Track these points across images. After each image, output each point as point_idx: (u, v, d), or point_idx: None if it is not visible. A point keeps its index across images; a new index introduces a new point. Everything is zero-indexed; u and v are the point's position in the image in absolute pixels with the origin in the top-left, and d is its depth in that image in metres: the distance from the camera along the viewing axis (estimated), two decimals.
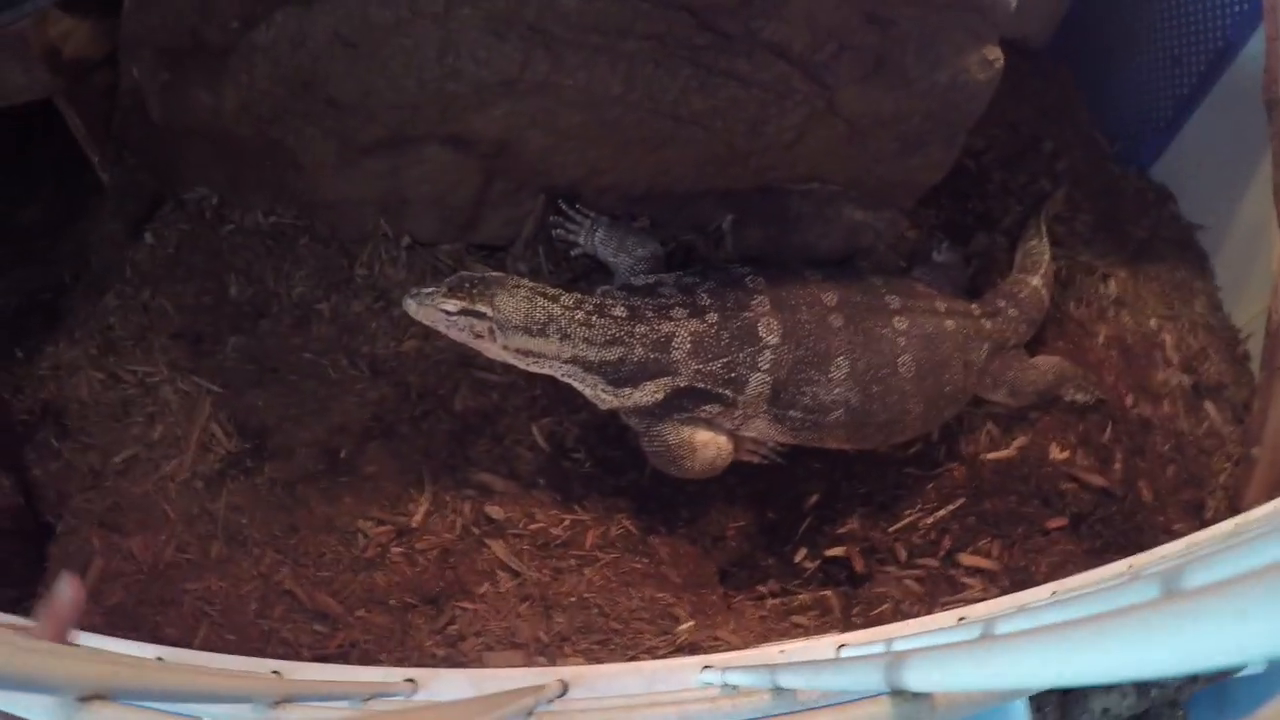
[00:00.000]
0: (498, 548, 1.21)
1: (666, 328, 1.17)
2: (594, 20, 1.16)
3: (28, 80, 1.56)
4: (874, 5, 1.23)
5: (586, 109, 1.18)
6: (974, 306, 1.37)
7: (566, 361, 1.18)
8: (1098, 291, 1.59)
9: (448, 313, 1.13)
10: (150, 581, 1.24)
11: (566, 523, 1.22)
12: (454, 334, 1.17)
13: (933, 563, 1.34)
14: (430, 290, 1.14)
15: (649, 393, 1.18)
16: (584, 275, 1.34)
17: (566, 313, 1.16)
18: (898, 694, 0.43)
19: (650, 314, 1.18)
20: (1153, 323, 1.57)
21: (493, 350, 1.19)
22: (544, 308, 1.15)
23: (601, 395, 1.20)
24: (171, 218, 1.45)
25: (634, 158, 1.25)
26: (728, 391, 1.18)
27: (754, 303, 1.20)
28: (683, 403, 1.19)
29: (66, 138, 1.65)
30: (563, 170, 1.26)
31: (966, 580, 1.32)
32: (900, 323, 1.25)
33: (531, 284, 1.18)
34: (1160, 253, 1.67)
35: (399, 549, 1.23)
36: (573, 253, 1.34)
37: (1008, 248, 1.59)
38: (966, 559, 1.34)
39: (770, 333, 1.18)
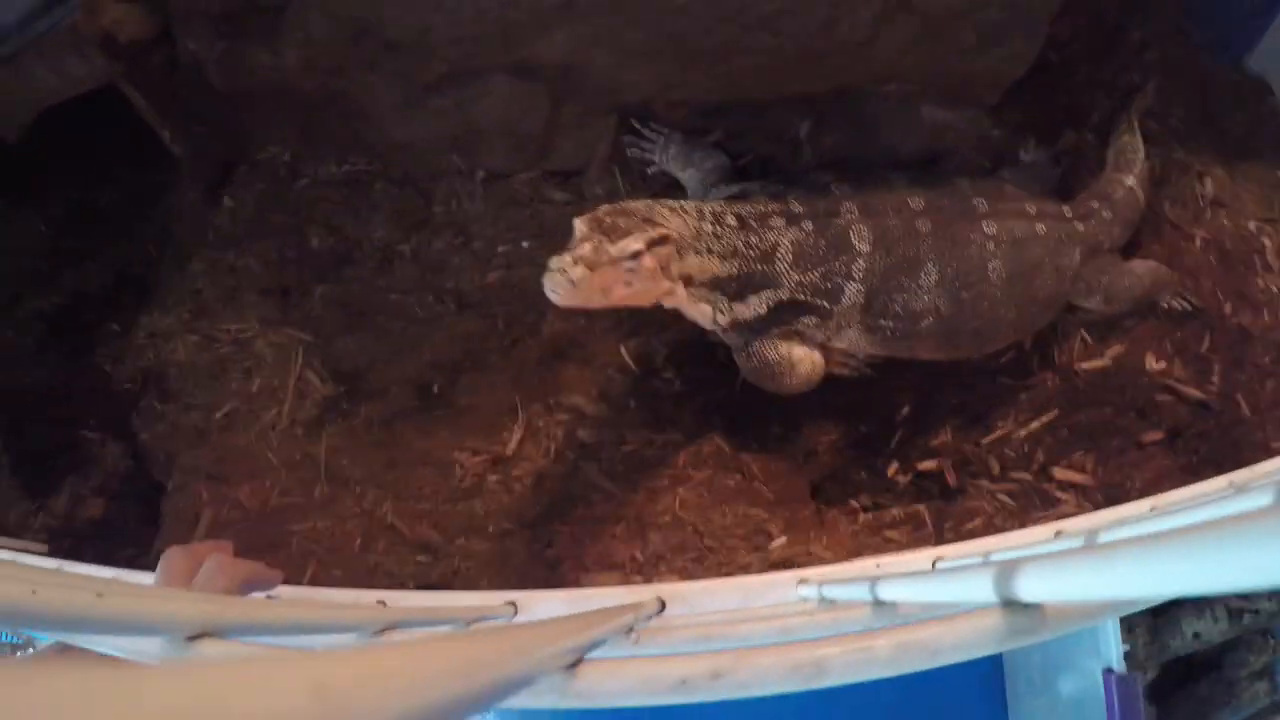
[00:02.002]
0: (591, 470, 1.24)
1: (771, 237, 1.12)
2: None
3: (88, 70, 1.62)
4: None
5: (649, 23, 1.15)
6: (1065, 209, 1.30)
7: (704, 282, 1.09)
8: (1194, 191, 1.50)
9: (634, 254, 0.96)
10: (258, 527, 1.31)
11: (658, 442, 1.24)
12: (623, 287, 0.99)
13: (1026, 476, 1.32)
14: (580, 253, 0.94)
15: (753, 307, 1.14)
16: (663, 193, 1.32)
17: (704, 224, 1.07)
18: (1009, 604, 0.41)
19: (754, 223, 1.12)
20: (1252, 225, 1.46)
21: (657, 290, 1.03)
22: (694, 223, 1.06)
23: (719, 315, 1.13)
24: (247, 179, 1.49)
25: (703, 70, 1.21)
26: (824, 302, 1.16)
27: (843, 209, 1.16)
28: (783, 316, 1.15)
29: (134, 118, 1.71)
30: (632, 88, 1.23)
31: (1060, 495, 1.29)
32: (989, 227, 1.20)
33: (660, 200, 1.07)
34: (1259, 150, 1.56)
35: (495, 477, 1.26)
36: (649, 170, 1.32)
37: (1098, 145, 1.51)
38: (1060, 473, 1.31)
39: (861, 240, 1.15)
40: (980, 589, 0.40)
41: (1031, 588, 0.37)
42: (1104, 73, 1.64)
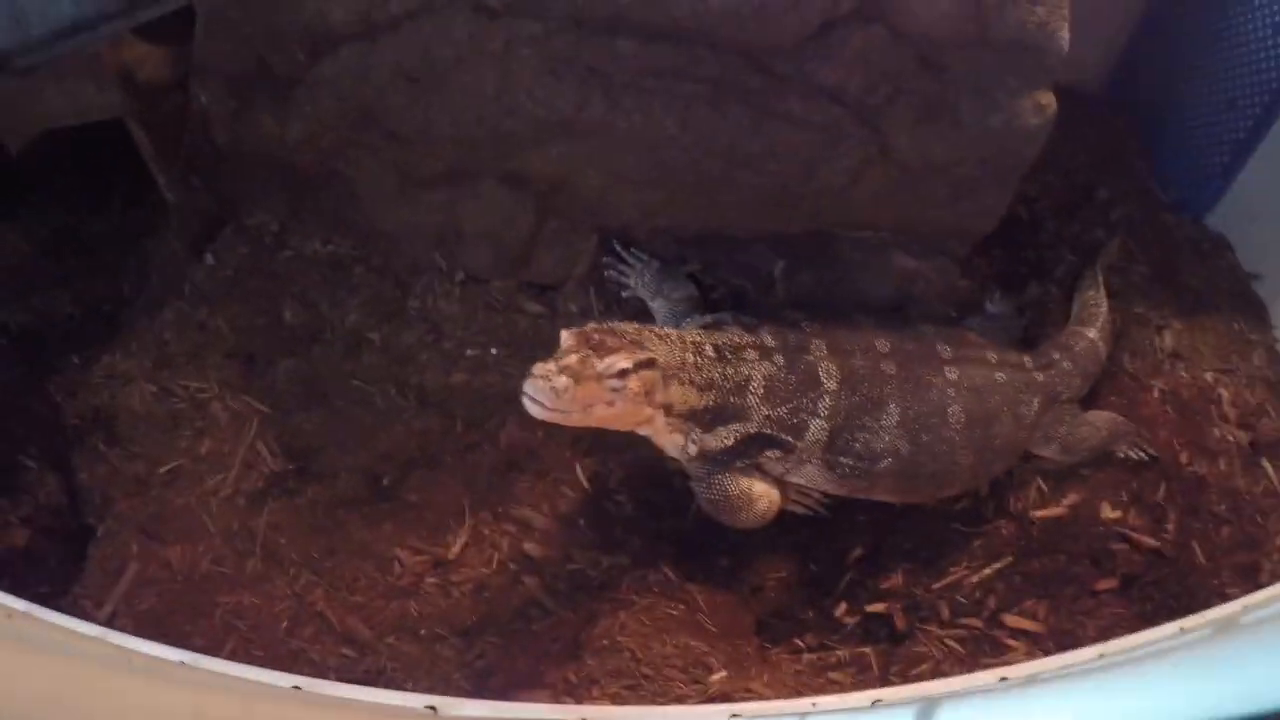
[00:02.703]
0: (533, 585, 1.20)
1: (745, 370, 1.13)
2: (650, 63, 1.18)
3: (102, 100, 1.64)
4: (927, 49, 1.23)
5: (641, 150, 1.19)
6: (1026, 359, 1.34)
7: (682, 412, 1.07)
8: (1153, 344, 1.55)
9: (621, 372, 0.95)
10: (184, 591, 1.26)
11: (604, 564, 1.21)
12: (604, 407, 0.96)
13: (976, 623, 1.30)
14: (566, 363, 0.92)
15: (721, 439, 1.13)
16: (634, 317, 1.33)
17: (688, 354, 1.07)
18: None
19: (730, 355, 1.13)
20: (1209, 376, 1.51)
21: (637, 415, 1.02)
22: (679, 352, 1.05)
23: (690, 445, 1.12)
24: (232, 240, 1.50)
25: (687, 200, 1.25)
26: (789, 437, 1.16)
27: (812, 345, 1.18)
28: (748, 449, 1.16)
29: (135, 157, 1.73)
30: (617, 211, 1.27)
31: (1010, 642, 1.28)
32: (951, 372, 1.22)
33: (648, 326, 1.07)
34: (1217, 303, 1.62)
35: (434, 579, 1.23)
36: (624, 294, 1.34)
37: (1062, 298, 1.56)
38: (1011, 620, 1.30)
39: (829, 377, 1.17)
40: None
41: None
42: (1071, 229, 1.72)
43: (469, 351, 1.33)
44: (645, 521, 1.25)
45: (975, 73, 1.23)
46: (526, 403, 0.94)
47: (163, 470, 1.38)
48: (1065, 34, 1.20)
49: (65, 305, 1.84)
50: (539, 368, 0.94)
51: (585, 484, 1.26)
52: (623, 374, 0.96)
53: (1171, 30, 1.88)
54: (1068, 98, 1.29)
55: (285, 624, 1.22)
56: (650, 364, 1.01)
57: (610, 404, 0.98)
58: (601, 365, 0.95)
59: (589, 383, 0.94)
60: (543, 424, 1.30)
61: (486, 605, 1.20)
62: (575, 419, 0.98)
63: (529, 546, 1.21)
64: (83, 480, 1.42)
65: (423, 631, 1.20)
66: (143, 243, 1.73)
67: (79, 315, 1.81)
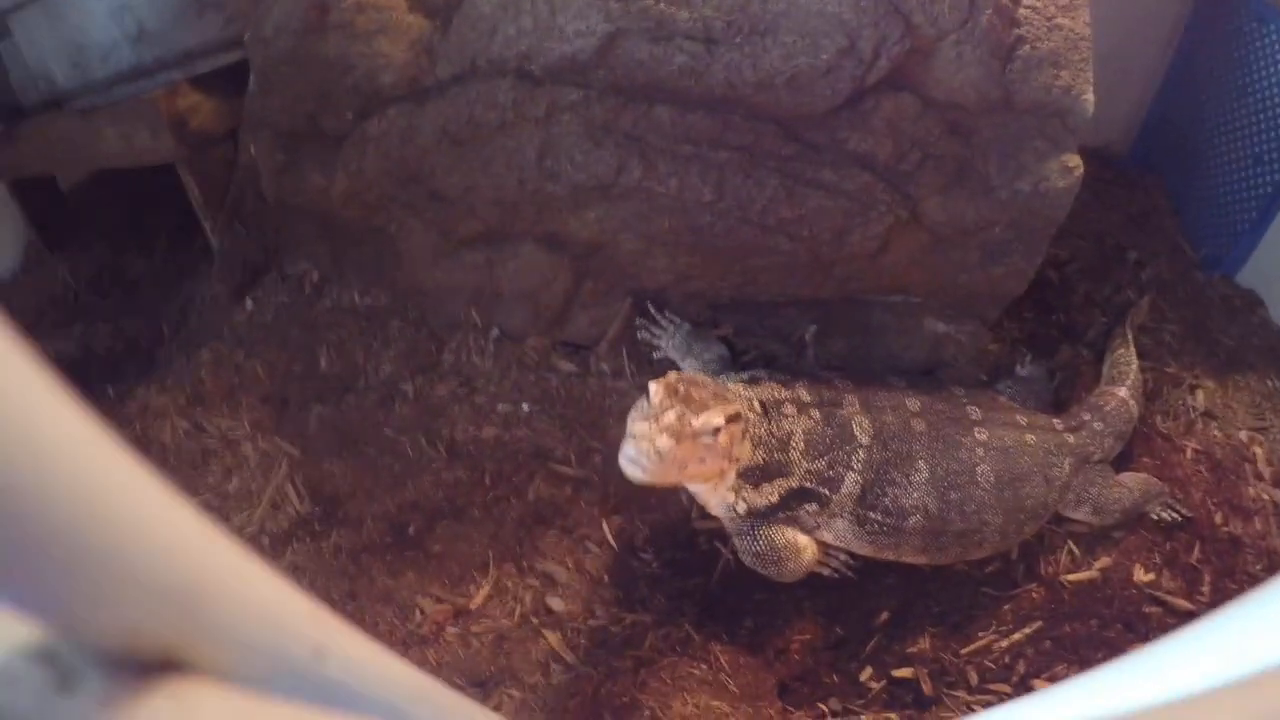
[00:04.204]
0: (554, 639, 1.19)
1: (786, 425, 1.13)
2: (687, 131, 1.22)
3: (154, 145, 1.71)
4: (955, 115, 1.26)
5: (677, 215, 1.22)
6: (1057, 421, 1.33)
7: (741, 469, 1.05)
8: (1185, 404, 1.53)
9: (715, 429, 0.93)
10: None
11: (627, 621, 1.20)
12: (696, 464, 0.94)
13: (1005, 689, 1.27)
14: (666, 422, 0.89)
15: (766, 495, 1.13)
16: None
17: (750, 410, 1.06)
18: None
19: (773, 410, 1.13)
20: (1243, 435, 1.49)
21: (716, 469, 0.99)
22: (746, 407, 1.04)
23: (740, 502, 1.10)
24: (273, 288, 1.54)
25: (721, 264, 1.28)
26: (826, 490, 1.16)
27: (845, 400, 1.19)
28: (789, 503, 1.15)
29: (183, 202, 1.80)
30: (652, 274, 1.30)
31: None
32: (980, 433, 1.23)
33: (718, 377, 1.06)
34: (1249, 361, 1.61)
35: (454, 629, 1.22)
36: (655, 355, 1.36)
37: (1093, 360, 1.55)
38: (1041, 685, 1.26)
39: (862, 432, 1.18)
40: None
41: None
42: (1102, 291, 1.72)
43: (500, 406, 1.34)
44: (670, 580, 1.24)
45: (1003, 137, 1.26)
46: (626, 465, 0.91)
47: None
48: (1090, 97, 1.23)
49: (105, 338, 1.90)
50: (640, 429, 0.90)
51: (612, 541, 1.25)
52: (716, 431, 0.95)
53: (1195, 89, 1.91)
54: (1095, 160, 1.31)
55: None
56: (736, 418, 1.00)
57: (702, 460, 0.96)
58: (698, 423, 0.93)
59: (687, 441, 0.92)
60: (571, 480, 1.32)
61: (506, 657, 1.19)
62: (671, 477, 0.95)
63: (552, 600, 1.21)
64: None
65: (440, 680, 1.19)
66: (184, 284, 1.79)
67: (118, 349, 1.86)
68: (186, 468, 1.45)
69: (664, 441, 0.90)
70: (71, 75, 1.67)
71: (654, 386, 0.97)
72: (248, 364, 1.49)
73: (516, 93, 1.25)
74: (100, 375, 1.76)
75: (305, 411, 1.39)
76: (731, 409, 0.99)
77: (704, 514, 1.26)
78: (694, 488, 1.11)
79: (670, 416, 0.92)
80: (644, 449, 0.89)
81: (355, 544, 1.30)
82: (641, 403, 0.99)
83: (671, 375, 1.01)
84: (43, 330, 1.92)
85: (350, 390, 1.39)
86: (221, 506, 1.39)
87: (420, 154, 1.31)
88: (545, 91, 1.24)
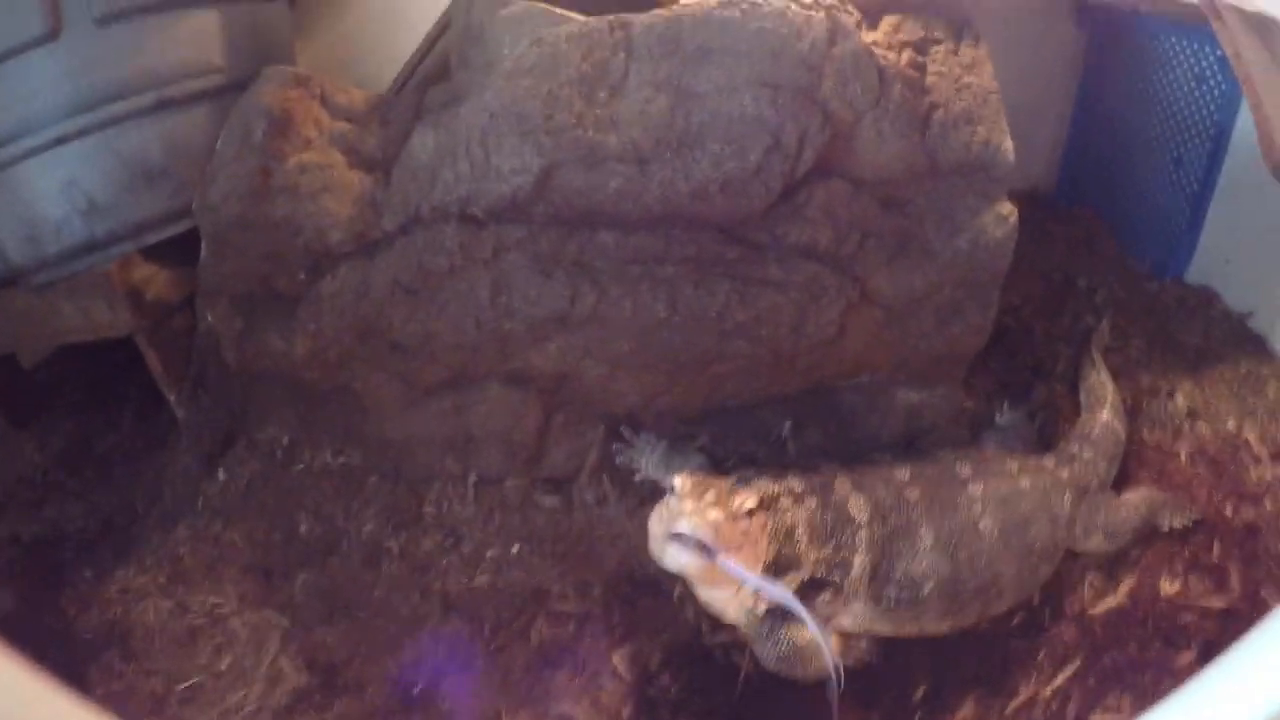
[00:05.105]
0: None
1: (787, 519, 1.12)
2: (633, 251, 1.25)
3: (112, 318, 1.70)
4: (886, 190, 1.31)
5: (636, 335, 1.24)
6: (1047, 459, 1.34)
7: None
8: (1167, 410, 1.54)
9: (749, 511, 0.95)
10: None
11: None
12: (735, 551, 0.94)
13: None
14: (708, 499, 0.91)
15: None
16: (649, 498, 1.35)
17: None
18: None
19: (770, 505, 1.12)
20: (1230, 424, 1.50)
21: (755, 558, 0.99)
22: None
23: (759, 604, 1.10)
24: (244, 455, 1.52)
25: (687, 378, 1.29)
26: (837, 577, 1.15)
27: (837, 483, 1.20)
28: (804, 596, 1.12)
29: (147, 372, 1.78)
30: (620, 398, 1.31)
31: None
32: (974, 488, 1.23)
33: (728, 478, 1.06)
34: (1218, 353, 1.63)
35: None
36: (636, 477, 1.36)
37: (1068, 393, 1.57)
38: None
39: (860, 511, 1.17)
40: None
41: None
42: (1060, 324, 1.76)
43: (489, 553, 1.32)
44: (692, 701, 1.20)
45: (935, 201, 1.31)
46: (673, 552, 0.91)
47: (181, 687, 1.34)
48: (1009, 145, 1.28)
49: (78, 518, 1.85)
50: (685, 505, 0.91)
51: (624, 673, 1.22)
52: (750, 513, 0.96)
53: (1106, 113, 2.01)
54: (1026, 202, 1.35)
55: None
56: (761, 505, 1.01)
57: (739, 549, 0.95)
58: (735, 504, 0.94)
59: (728, 522, 0.92)
60: (573, 618, 1.29)
61: None
62: (710, 573, 0.94)
63: None
64: (98, 696, 1.38)
65: None
66: (155, 456, 1.76)
67: (92, 527, 1.81)
68: (174, 649, 1.40)
69: (714, 514, 0.91)
70: (25, 251, 1.66)
71: (679, 479, 1.00)
72: (226, 535, 1.46)
73: (462, 236, 1.28)
74: (75, 558, 1.70)
75: (290, 579, 1.36)
76: (758, 495, 1.00)
77: (715, 627, 1.24)
78: (711, 594, 1.10)
79: (710, 495, 0.93)
80: (697, 524, 0.89)
81: (361, 711, 1.25)
82: (668, 499, 1.00)
83: (687, 473, 1.04)
84: (12, 513, 1.87)
85: (333, 553, 1.36)
86: (216, 687, 1.34)
87: (376, 307, 1.32)
88: (490, 232, 1.27)
